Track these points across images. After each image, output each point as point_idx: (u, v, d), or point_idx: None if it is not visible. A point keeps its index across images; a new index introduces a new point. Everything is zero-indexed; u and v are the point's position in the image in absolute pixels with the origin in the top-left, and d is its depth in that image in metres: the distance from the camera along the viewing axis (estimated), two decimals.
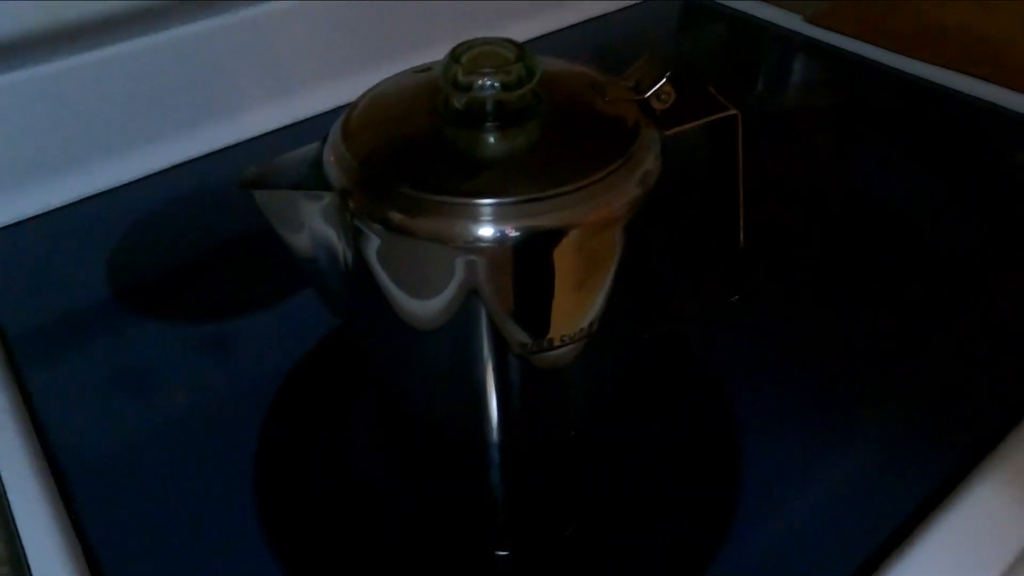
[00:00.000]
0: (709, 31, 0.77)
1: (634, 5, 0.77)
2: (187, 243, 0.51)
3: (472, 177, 0.28)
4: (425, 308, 0.29)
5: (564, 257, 0.28)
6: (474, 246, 0.27)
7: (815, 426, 0.38)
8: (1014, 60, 0.64)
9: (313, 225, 0.30)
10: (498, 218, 0.27)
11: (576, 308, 0.30)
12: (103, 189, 0.54)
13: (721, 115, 0.32)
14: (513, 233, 0.27)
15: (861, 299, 0.45)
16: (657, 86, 0.30)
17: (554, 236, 0.27)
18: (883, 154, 0.57)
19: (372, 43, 0.63)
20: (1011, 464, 0.35)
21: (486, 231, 0.27)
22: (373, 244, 0.28)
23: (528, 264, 0.28)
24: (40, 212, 0.53)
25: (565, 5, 0.73)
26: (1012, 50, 0.65)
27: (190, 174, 0.56)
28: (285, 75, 0.60)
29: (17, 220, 0.52)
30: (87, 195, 0.54)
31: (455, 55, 0.28)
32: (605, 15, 0.75)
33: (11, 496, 0.35)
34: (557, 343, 0.30)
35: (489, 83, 0.28)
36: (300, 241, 0.31)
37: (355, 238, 0.29)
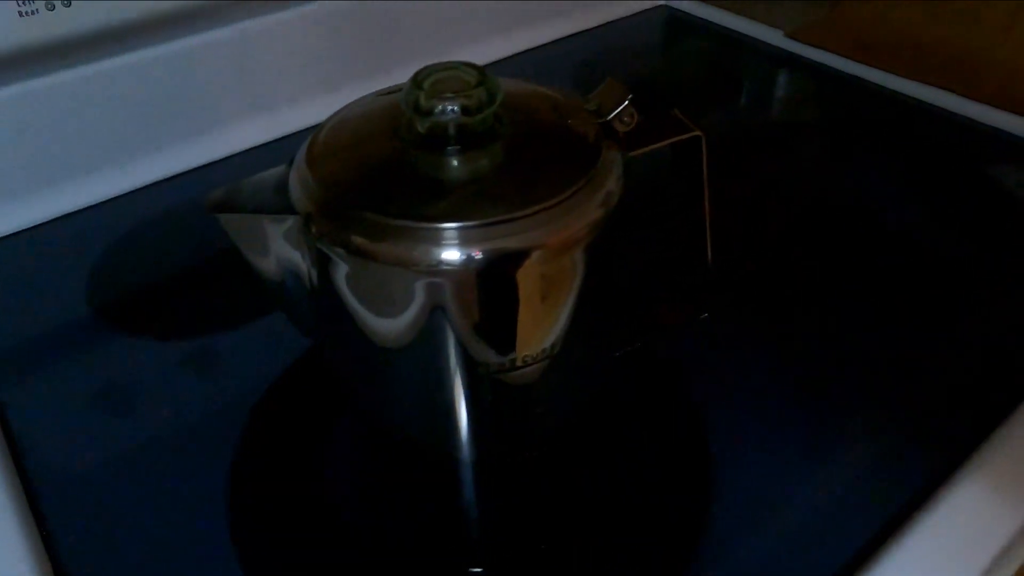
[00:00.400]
0: (691, 46, 0.77)
1: (617, 20, 0.78)
2: (167, 260, 0.51)
3: (434, 201, 0.28)
4: (389, 329, 0.30)
5: (527, 279, 0.28)
6: (436, 269, 0.27)
7: (790, 436, 0.38)
8: (992, 76, 0.65)
9: (278, 248, 0.30)
10: (459, 241, 0.27)
11: (540, 328, 0.30)
12: (84, 206, 0.54)
13: (684, 136, 0.32)
14: (475, 256, 0.27)
15: (838, 310, 0.45)
16: (619, 109, 0.30)
17: (516, 258, 0.28)
18: (862, 168, 0.58)
19: (356, 59, 0.63)
20: (991, 467, 0.35)
21: (447, 255, 0.27)
22: (337, 268, 0.29)
23: (491, 286, 0.28)
24: (20, 229, 0.53)
25: (547, 21, 0.74)
26: (990, 66, 0.66)
27: (171, 191, 0.56)
28: (268, 92, 0.61)
29: None
30: (68, 212, 0.54)
31: (417, 80, 0.29)
32: (587, 30, 0.76)
33: None
34: (520, 363, 0.30)
35: (450, 108, 0.28)
36: (266, 264, 0.31)
37: (319, 262, 0.29)
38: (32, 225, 0.53)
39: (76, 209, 0.54)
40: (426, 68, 0.29)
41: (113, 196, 0.55)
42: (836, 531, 0.34)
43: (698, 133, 0.32)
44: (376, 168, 0.30)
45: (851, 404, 0.40)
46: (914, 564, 0.32)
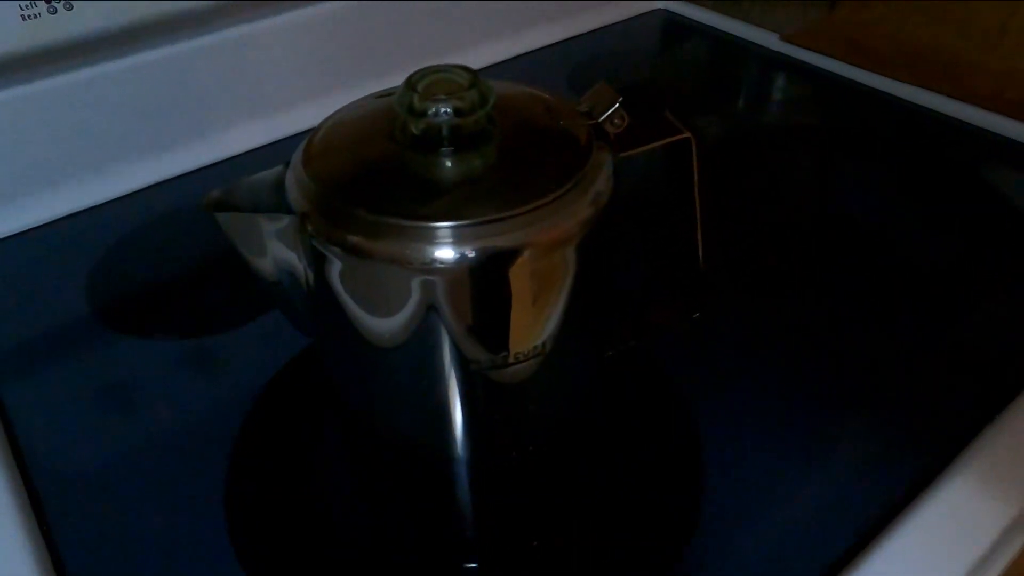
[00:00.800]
0: (687, 49, 0.78)
1: (613, 24, 0.78)
2: (166, 261, 0.52)
3: (428, 200, 0.29)
4: (383, 327, 0.30)
5: (518, 277, 0.29)
6: (430, 267, 0.28)
7: (780, 434, 0.39)
8: (985, 79, 0.65)
9: (274, 247, 0.31)
10: (452, 240, 0.28)
11: (531, 326, 0.31)
12: (84, 207, 0.55)
13: (674, 138, 0.33)
14: (467, 254, 0.28)
15: (829, 309, 0.46)
16: (609, 111, 0.31)
17: (508, 256, 0.28)
18: (857, 170, 0.58)
19: (352, 63, 0.64)
20: (980, 465, 0.36)
21: (440, 253, 0.28)
22: (332, 266, 0.29)
23: (483, 284, 0.29)
24: (20, 230, 0.53)
25: (544, 25, 0.75)
26: (983, 70, 0.66)
27: (171, 192, 0.57)
28: (266, 95, 0.61)
29: None
30: (68, 213, 0.55)
31: (410, 83, 0.29)
32: (584, 34, 0.77)
33: None
34: (511, 360, 0.30)
35: (444, 109, 0.29)
36: (263, 263, 0.32)
37: (315, 260, 0.30)
38: (33, 226, 0.54)
39: (76, 211, 0.55)
40: (419, 71, 0.30)
41: (113, 198, 0.56)
42: (827, 528, 0.35)
43: (688, 135, 0.33)
44: (371, 168, 0.30)
45: (842, 402, 0.40)
46: (905, 560, 0.32)
